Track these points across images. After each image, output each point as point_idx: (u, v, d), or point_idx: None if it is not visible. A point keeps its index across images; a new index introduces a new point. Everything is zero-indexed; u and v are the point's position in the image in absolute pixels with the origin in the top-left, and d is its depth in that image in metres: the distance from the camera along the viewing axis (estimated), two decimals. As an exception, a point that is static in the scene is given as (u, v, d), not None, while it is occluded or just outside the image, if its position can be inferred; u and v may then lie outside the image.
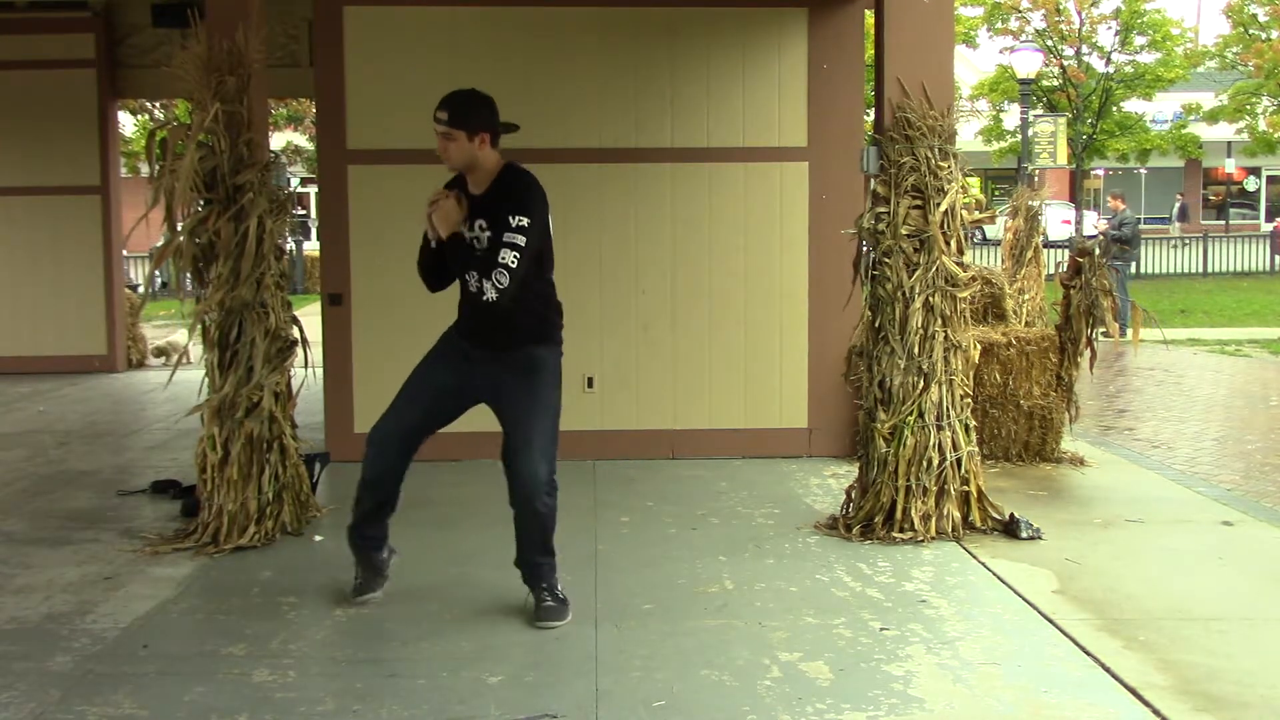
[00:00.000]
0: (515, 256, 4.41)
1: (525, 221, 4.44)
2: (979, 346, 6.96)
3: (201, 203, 5.89)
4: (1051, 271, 10.23)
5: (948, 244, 5.92)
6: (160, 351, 13.23)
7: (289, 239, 6.51)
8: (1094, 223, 15.29)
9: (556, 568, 4.75)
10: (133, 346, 13.12)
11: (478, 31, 7.86)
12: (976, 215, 6.31)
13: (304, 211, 33.22)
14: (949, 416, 5.93)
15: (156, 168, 5.92)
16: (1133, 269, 19.32)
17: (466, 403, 4.77)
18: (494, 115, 4.60)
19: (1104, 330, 8.10)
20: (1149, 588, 5.20)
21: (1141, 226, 19.21)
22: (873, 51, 6.35)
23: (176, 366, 6.23)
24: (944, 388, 5.93)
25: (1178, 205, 41.52)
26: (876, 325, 6.02)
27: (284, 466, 6.02)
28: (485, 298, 4.42)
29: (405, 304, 7.80)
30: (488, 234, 4.53)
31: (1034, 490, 7.08)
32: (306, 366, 6.25)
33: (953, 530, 5.88)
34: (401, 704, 3.96)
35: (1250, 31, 32.56)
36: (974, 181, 6.95)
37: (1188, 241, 28.91)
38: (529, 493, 4.55)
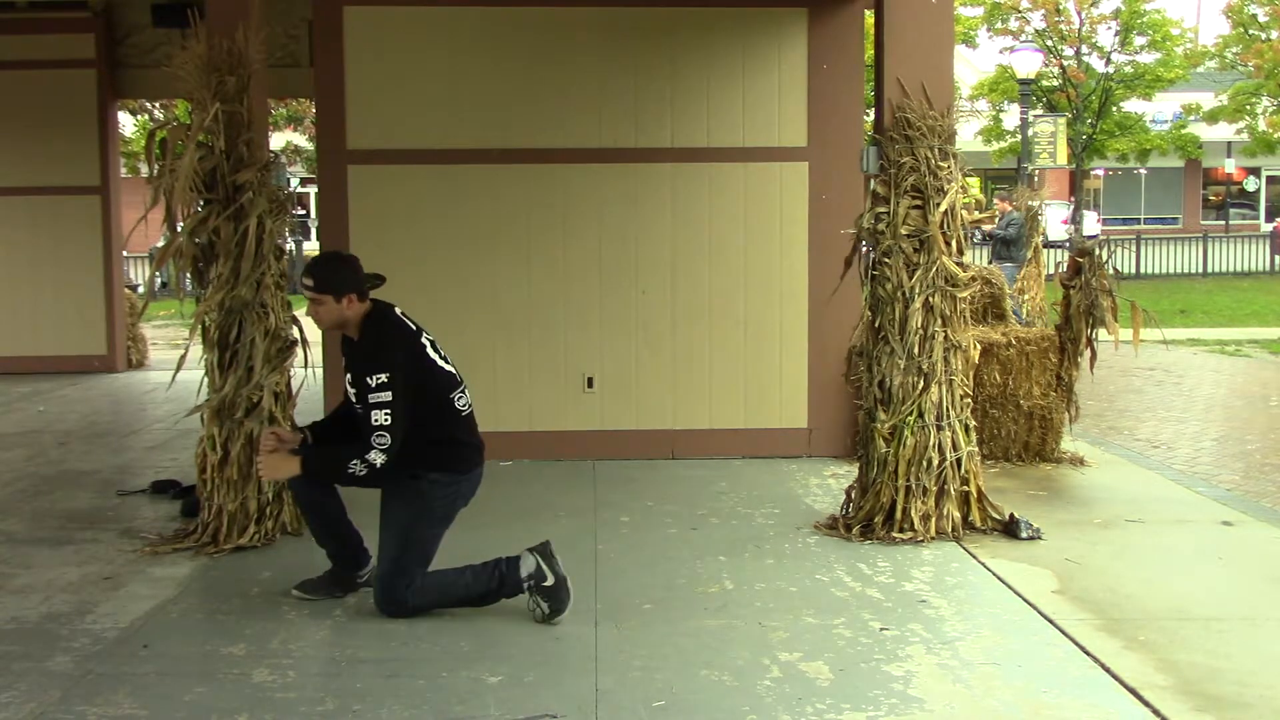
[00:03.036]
0: (386, 415, 4.55)
1: (383, 377, 4.56)
2: (979, 346, 6.96)
3: (201, 203, 5.88)
4: (1051, 271, 10.23)
5: (948, 244, 5.92)
6: None
7: (289, 239, 6.51)
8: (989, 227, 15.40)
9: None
10: (133, 346, 13.13)
11: (478, 31, 7.86)
12: (976, 215, 6.31)
13: (304, 211, 33.23)
14: (949, 416, 5.93)
15: (156, 168, 5.92)
16: (1133, 268, 19.34)
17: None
18: (358, 274, 4.78)
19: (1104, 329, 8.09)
20: (1149, 588, 5.20)
21: (1142, 227, 19.18)
22: (873, 51, 6.35)
23: (179, 366, 6.21)
24: (944, 388, 5.93)
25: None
26: (876, 325, 6.02)
27: (284, 466, 6.01)
28: (377, 465, 4.55)
29: (405, 304, 7.79)
30: (354, 391, 4.67)
31: (1034, 490, 7.08)
32: (306, 366, 6.25)
33: (953, 530, 5.88)
34: (401, 704, 3.96)
35: (1250, 31, 32.59)
36: (974, 181, 6.96)
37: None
38: (376, 603, 4.78)
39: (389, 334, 4.72)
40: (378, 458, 4.53)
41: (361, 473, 4.55)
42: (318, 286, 4.70)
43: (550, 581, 4.70)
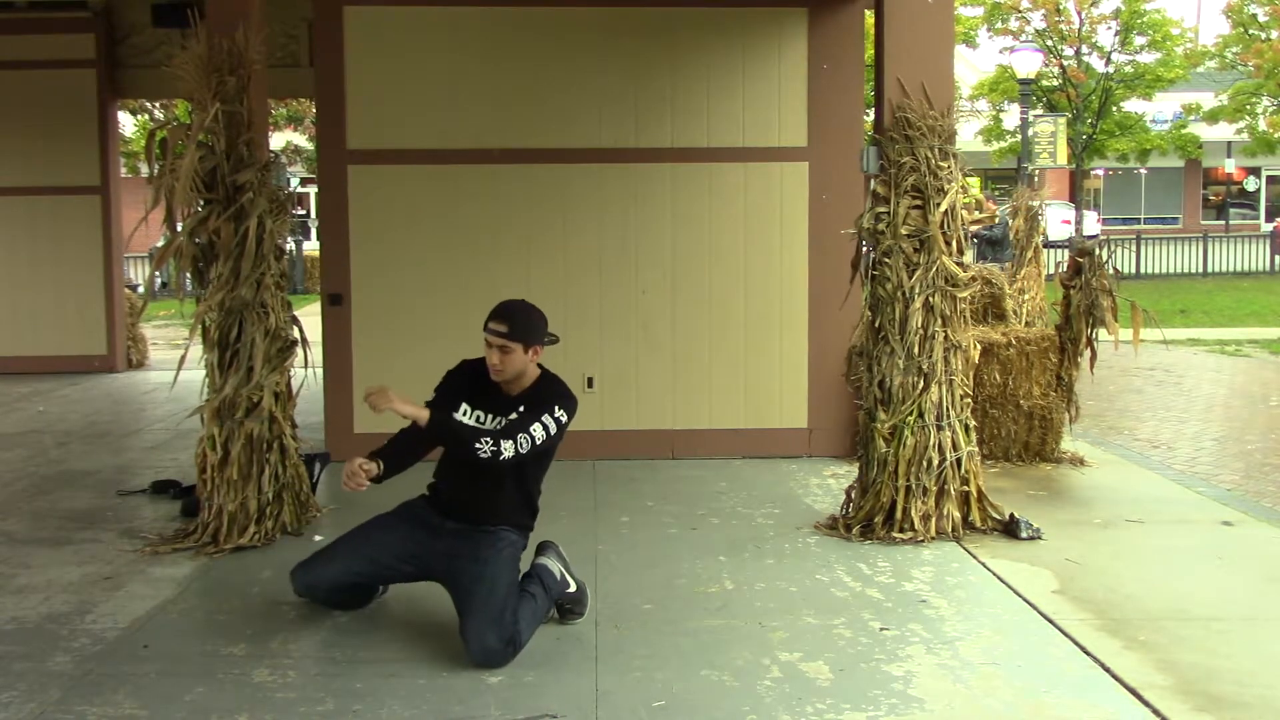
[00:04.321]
0: (543, 434, 4.45)
1: (564, 419, 4.52)
2: (979, 346, 6.96)
3: (201, 203, 5.89)
4: (1051, 271, 10.23)
5: (948, 244, 5.92)
6: None
7: (289, 239, 6.51)
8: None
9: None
10: (133, 346, 13.13)
11: (478, 31, 7.86)
12: (976, 215, 6.31)
13: (304, 211, 33.23)
14: (949, 416, 5.93)
15: (156, 168, 5.92)
16: (1133, 268, 19.32)
17: (414, 574, 4.67)
18: (545, 326, 4.67)
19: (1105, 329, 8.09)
20: (1149, 588, 5.20)
21: (1142, 227, 19.20)
22: (873, 51, 6.35)
23: (179, 366, 6.21)
24: (944, 388, 5.93)
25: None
26: (876, 325, 6.02)
27: (284, 466, 6.02)
28: (501, 456, 4.37)
29: (405, 304, 7.84)
30: (516, 414, 4.53)
31: (1034, 490, 7.08)
32: (306, 366, 6.25)
33: (953, 530, 5.88)
34: (401, 704, 3.96)
35: (1250, 31, 32.58)
36: (974, 181, 6.96)
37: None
38: (480, 664, 4.29)
39: (574, 400, 4.62)
40: (509, 450, 4.39)
41: (485, 454, 4.36)
42: (512, 334, 4.52)
43: (573, 589, 4.72)
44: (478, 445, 4.37)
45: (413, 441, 4.64)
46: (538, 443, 4.45)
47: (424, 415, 4.40)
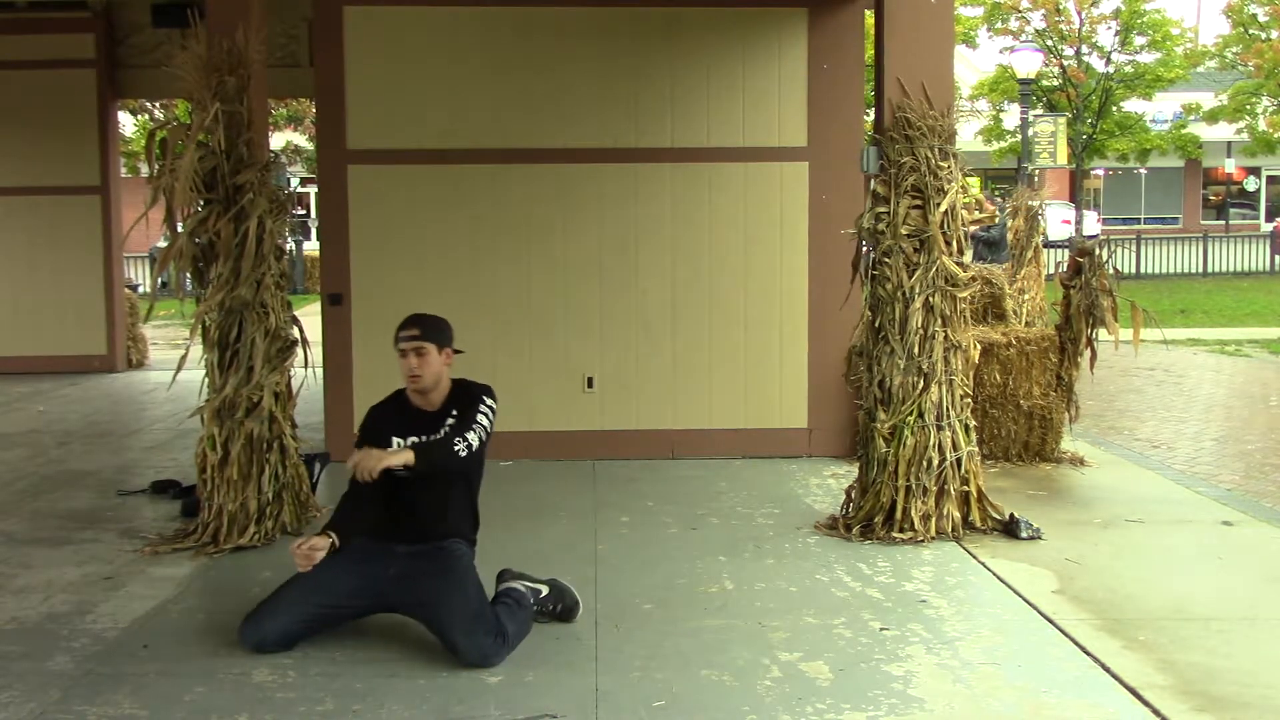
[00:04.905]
0: (487, 420, 4.60)
1: (494, 404, 4.65)
2: (979, 346, 6.96)
3: (201, 203, 5.89)
4: (1051, 271, 10.23)
5: (948, 244, 5.92)
6: None
7: (289, 239, 6.51)
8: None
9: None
10: (133, 346, 13.13)
11: (478, 32, 7.87)
12: (976, 215, 6.31)
13: (304, 211, 33.22)
14: (949, 416, 5.93)
15: (156, 168, 5.92)
16: (1133, 268, 19.35)
17: (367, 608, 4.64)
18: (452, 334, 4.76)
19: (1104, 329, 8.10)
20: (1149, 588, 5.20)
21: (1142, 227, 19.20)
22: (873, 51, 6.35)
23: (179, 366, 6.21)
24: (944, 388, 5.93)
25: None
26: (876, 325, 6.02)
27: (284, 466, 6.02)
28: (472, 448, 4.50)
29: (405, 304, 7.78)
30: (451, 417, 4.62)
31: (1034, 490, 7.08)
32: (306, 366, 6.25)
33: (953, 530, 5.88)
34: (401, 704, 3.96)
35: (1250, 31, 32.59)
36: (974, 181, 6.95)
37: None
38: (476, 664, 4.28)
39: (485, 385, 4.72)
40: (475, 439, 4.51)
41: (464, 453, 4.48)
42: (425, 335, 4.58)
43: (546, 591, 4.71)
44: (457, 447, 4.48)
45: (359, 500, 4.55)
46: (488, 427, 4.59)
47: (409, 455, 4.45)
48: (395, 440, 4.60)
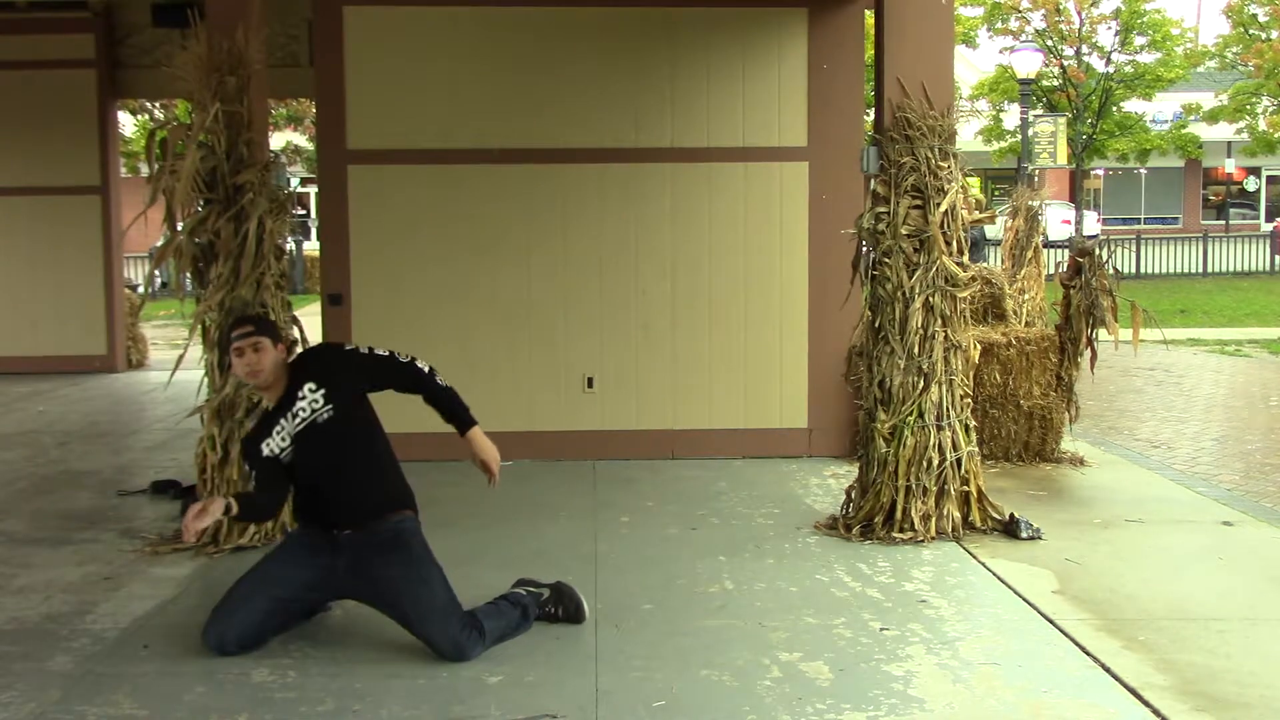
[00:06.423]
0: (383, 350, 4.64)
1: (380, 351, 4.62)
2: (979, 346, 6.96)
3: (201, 203, 5.89)
4: (1051, 271, 10.24)
5: (948, 244, 5.92)
6: None
7: (289, 239, 6.51)
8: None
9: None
10: (133, 346, 13.13)
11: (477, 31, 7.86)
12: (976, 215, 6.31)
13: (304, 211, 33.21)
14: (949, 416, 5.93)
15: (156, 168, 5.92)
16: (1133, 268, 19.34)
17: (324, 598, 4.63)
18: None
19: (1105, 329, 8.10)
20: (1149, 588, 5.20)
21: (1142, 227, 19.19)
22: (873, 51, 6.35)
23: (177, 366, 6.22)
24: (944, 388, 5.93)
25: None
26: (876, 325, 6.02)
27: (284, 466, 6.01)
28: (418, 361, 4.57)
29: (405, 304, 7.84)
30: (305, 391, 4.47)
31: (1034, 490, 7.08)
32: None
33: (953, 530, 5.88)
34: (401, 704, 3.96)
35: (1250, 31, 32.58)
36: (974, 181, 6.96)
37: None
38: (453, 657, 4.28)
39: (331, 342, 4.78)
40: (410, 357, 4.62)
41: (443, 381, 4.61)
42: (259, 330, 4.51)
43: (547, 594, 4.69)
44: (440, 380, 4.59)
45: (275, 477, 4.53)
46: (397, 354, 4.61)
47: (231, 504, 4.42)
48: (264, 443, 4.47)
